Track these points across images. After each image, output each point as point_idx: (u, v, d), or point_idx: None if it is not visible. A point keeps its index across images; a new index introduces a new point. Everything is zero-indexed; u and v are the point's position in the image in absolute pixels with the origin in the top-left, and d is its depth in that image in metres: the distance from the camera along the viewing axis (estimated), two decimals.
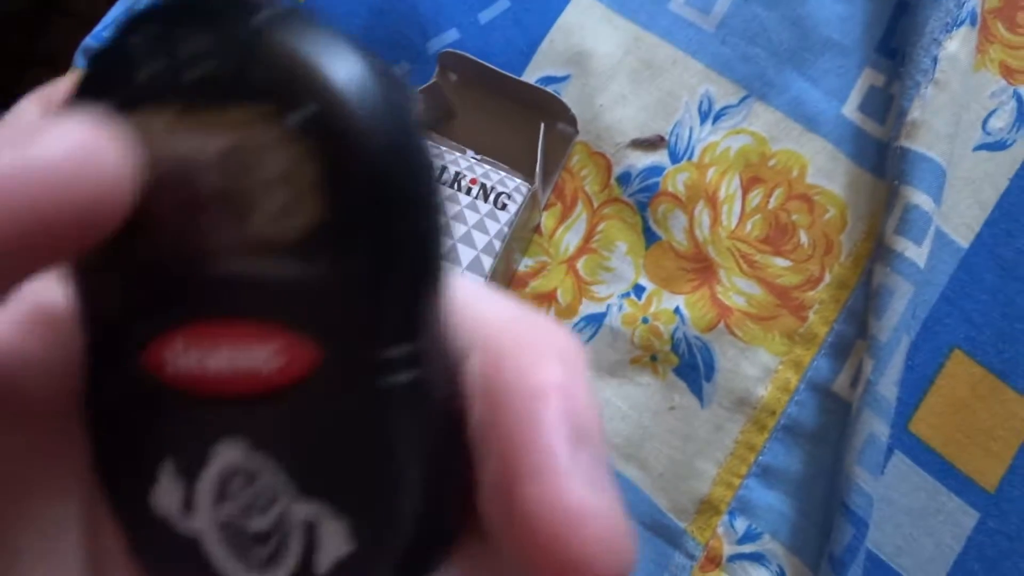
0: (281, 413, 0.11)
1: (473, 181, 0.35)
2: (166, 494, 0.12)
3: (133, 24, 0.11)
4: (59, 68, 1.16)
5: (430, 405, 0.11)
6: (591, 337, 0.38)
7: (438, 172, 0.34)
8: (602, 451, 0.11)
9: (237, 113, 0.10)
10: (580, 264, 0.39)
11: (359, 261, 0.10)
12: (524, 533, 0.10)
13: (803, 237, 0.37)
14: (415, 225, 0.10)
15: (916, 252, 0.34)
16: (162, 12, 0.11)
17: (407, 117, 0.10)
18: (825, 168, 0.37)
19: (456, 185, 0.35)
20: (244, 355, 0.11)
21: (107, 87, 0.11)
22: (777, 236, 0.37)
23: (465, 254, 0.35)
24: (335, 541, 0.11)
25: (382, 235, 0.10)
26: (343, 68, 0.10)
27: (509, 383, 0.11)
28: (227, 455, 0.12)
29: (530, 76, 0.40)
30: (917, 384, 0.36)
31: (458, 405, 0.12)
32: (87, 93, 0.11)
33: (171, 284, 0.11)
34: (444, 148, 0.36)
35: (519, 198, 0.35)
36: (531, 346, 0.12)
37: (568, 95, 0.39)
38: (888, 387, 0.34)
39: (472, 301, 0.13)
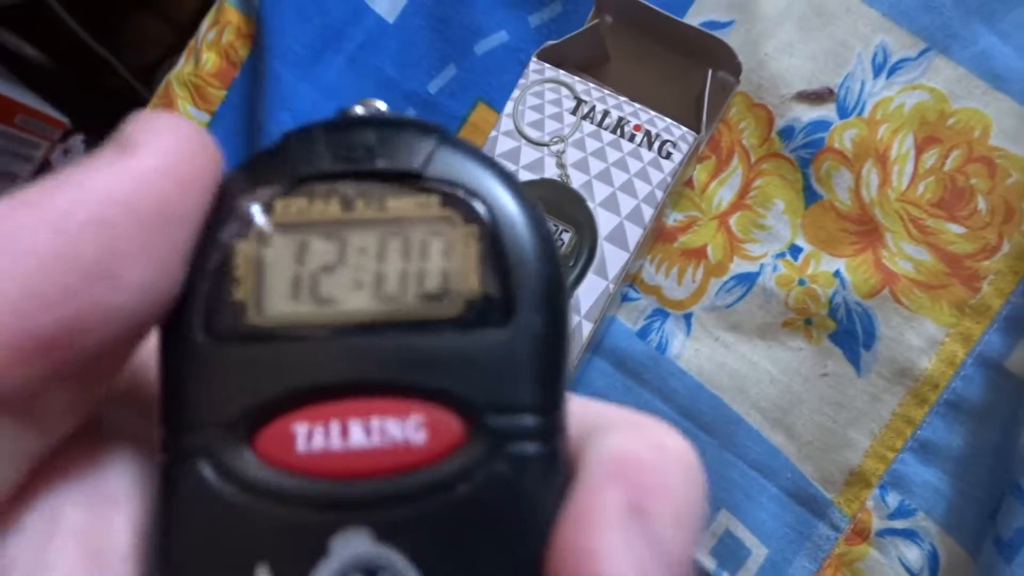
0: (419, 495, 0.11)
1: (637, 127, 0.34)
2: None
3: (324, 126, 0.12)
4: (162, 14, 1.16)
5: (560, 478, 0.11)
6: (741, 297, 0.37)
7: (600, 116, 0.32)
8: (672, 547, 0.11)
9: (410, 202, 0.12)
10: (733, 220, 0.37)
11: (514, 338, 0.11)
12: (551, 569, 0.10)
13: (981, 203, 0.35)
14: (558, 310, 0.12)
15: None
16: (347, 121, 0.12)
17: (549, 232, 0.12)
18: (1010, 130, 0.35)
19: (619, 131, 0.34)
20: (387, 431, 0.11)
21: (293, 165, 0.12)
22: (952, 200, 0.35)
23: (625, 203, 0.33)
24: None
25: (535, 317, 0.11)
26: (502, 180, 0.12)
27: (599, 452, 0.11)
28: (348, 548, 0.11)
29: (691, 21, 0.38)
30: None
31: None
32: (271, 167, 0.12)
33: (302, 358, 0.11)
34: (607, 92, 0.34)
35: (684, 147, 0.33)
36: (633, 430, 0.12)
37: (731, 42, 0.37)
38: None
39: (584, 399, 0.13)
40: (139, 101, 1.13)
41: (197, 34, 0.43)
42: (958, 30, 0.36)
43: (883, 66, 0.36)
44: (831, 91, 0.36)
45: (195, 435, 0.11)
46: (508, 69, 0.40)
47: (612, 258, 0.33)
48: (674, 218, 0.38)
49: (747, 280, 0.37)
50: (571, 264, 0.33)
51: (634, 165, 0.33)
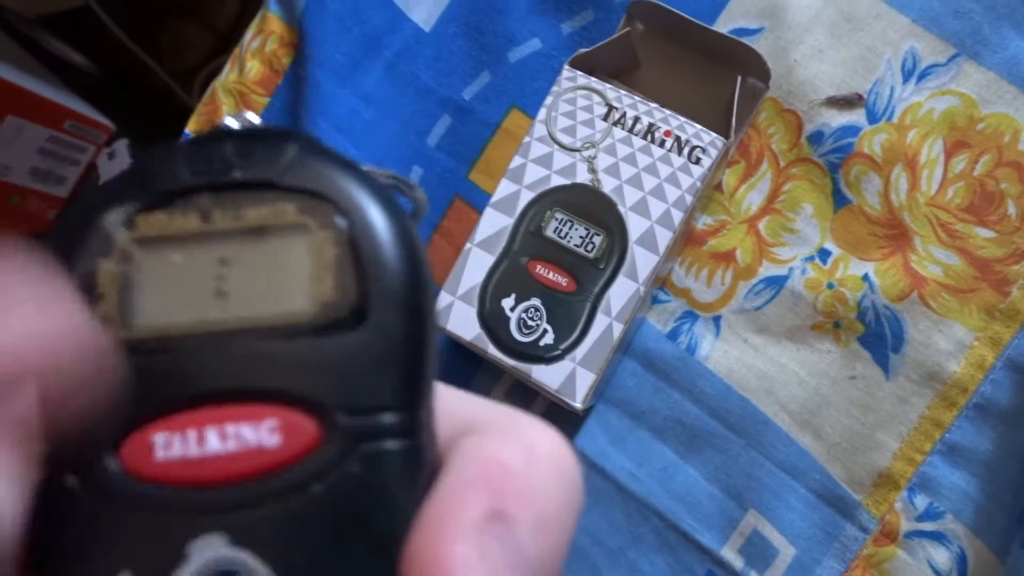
0: (273, 497, 0.11)
1: (667, 133, 0.34)
2: None
3: (187, 141, 0.12)
4: (200, 17, 1.19)
5: (421, 475, 0.11)
6: (770, 300, 0.37)
7: (631, 122, 0.33)
8: (535, 553, 0.11)
9: (266, 211, 0.12)
10: (762, 224, 0.38)
11: (369, 339, 0.11)
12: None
13: (1011, 207, 0.35)
14: (419, 310, 0.12)
15: None
16: (207, 135, 0.12)
17: (411, 231, 0.12)
18: None
19: (650, 137, 0.35)
20: (242, 436, 0.11)
21: (152, 180, 0.12)
22: (982, 205, 0.35)
23: (655, 207, 0.34)
24: None
25: (393, 317, 0.11)
26: (361, 186, 0.12)
27: (464, 455, 0.11)
28: (205, 552, 0.11)
29: (720, 28, 0.39)
30: None
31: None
32: (132, 183, 0.12)
33: (163, 369, 0.11)
34: (637, 98, 0.35)
35: (714, 153, 0.34)
36: (503, 432, 0.12)
37: (760, 48, 0.38)
38: None
39: (465, 396, 0.13)
40: (179, 104, 1.16)
41: (241, 43, 0.45)
42: (988, 36, 0.36)
43: (912, 71, 0.37)
44: (860, 96, 0.37)
45: (64, 448, 0.11)
46: (541, 76, 0.41)
47: (642, 261, 0.34)
48: (704, 222, 0.39)
49: (776, 283, 0.37)
50: (601, 267, 0.34)
51: (664, 170, 0.34)
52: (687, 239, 0.38)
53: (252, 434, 0.11)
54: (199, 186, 0.12)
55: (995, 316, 0.35)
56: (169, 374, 0.11)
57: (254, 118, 0.13)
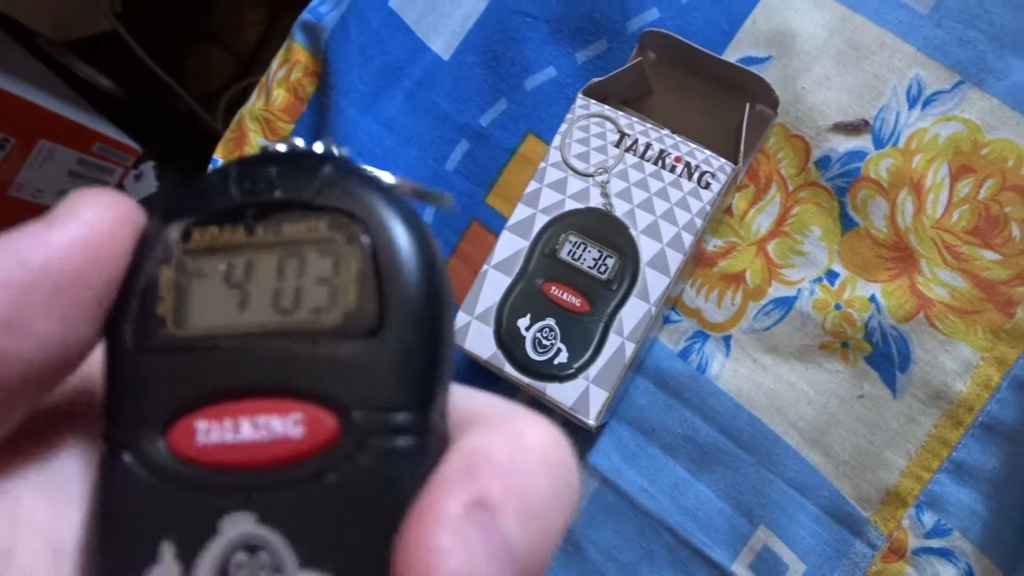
0: (296, 483, 0.12)
1: (678, 159, 0.36)
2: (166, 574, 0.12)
3: (231, 163, 0.14)
4: (223, 42, 1.22)
5: (427, 471, 0.12)
6: (779, 320, 0.38)
7: (643, 149, 0.34)
8: (519, 543, 0.11)
9: (301, 227, 0.14)
10: (771, 247, 0.39)
11: (388, 345, 0.13)
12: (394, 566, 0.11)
13: (1015, 230, 0.36)
14: (435, 321, 0.13)
15: None
16: (255, 158, 0.14)
17: (432, 248, 0.14)
18: None
19: (660, 162, 0.36)
20: (271, 427, 0.13)
21: (207, 198, 0.14)
22: (987, 228, 0.36)
23: (666, 231, 0.35)
24: None
25: (409, 327, 0.13)
26: (389, 203, 0.14)
27: (455, 448, 0.12)
28: (234, 528, 0.12)
29: (730, 57, 0.40)
30: None
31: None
32: (190, 201, 0.14)
33: (210, 364, 0.13)
34: (649, 125, 0.36)
35: (723, 178, 0.35)
36: (494, 425, 0.12)
37: (768, 77, 0.39)
38: None
39: (474, 393, 0.14)
40: (203, 127, 1.19)
41: (268, 71, 0.46)
42: (991, 63, 0.37)
43: (918, 98, 0.38)
44: (867, 123, 0.38)
45: (123, 429, 0.13)
46: (556, 103, 0.43)
47: (654, 282, 0.35)
48: (714, 244, 0.40)
49: (785, 304, 0.38)
50: (614, 288, 0.35)
51: (675, 195, 0.35)
52: (698, 261, 0.39)
53: (280, 425, 0.13)
54: (245, 205, 0.14)
55: (1000, 336, 0.35)
56: (211, 369, 0.13)
57: (299, 142, 0.15)
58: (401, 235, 0.13)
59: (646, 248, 0.35)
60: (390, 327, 0.13)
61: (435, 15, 0.44)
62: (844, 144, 0.38)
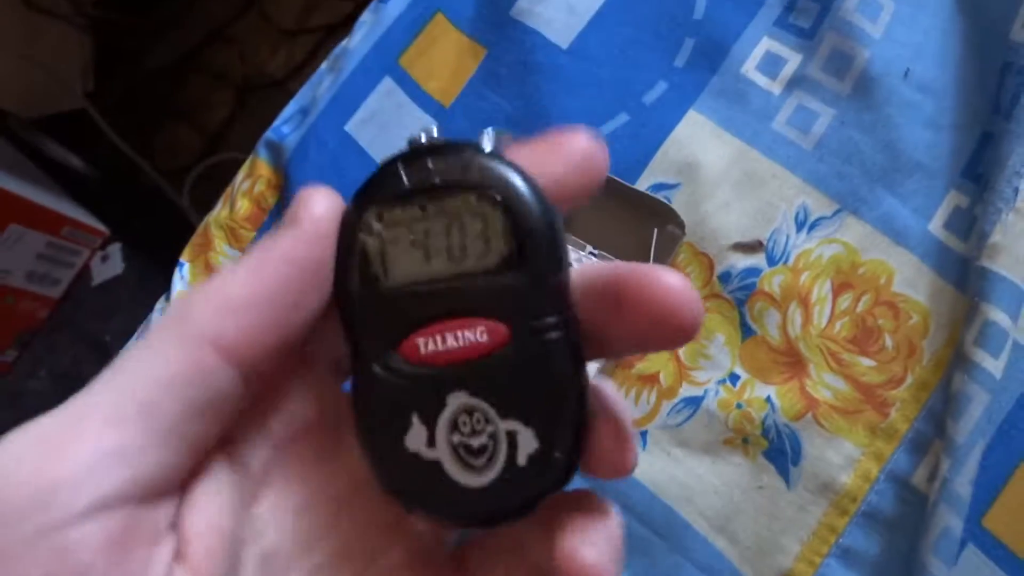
0: (489, 368, 0.19)
1: None
2: (416, 435, 0.19)
3: (399, 155, 0.20)
4: (190, 119, 1.26)
5: (574, 351, 0.19)
6: (689, 417, 0.43)
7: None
8: None
9: (457, 201, 0.19)
10: (682, 351, 0.44)
11: (529, 273, 0.19)
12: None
13: (888, 340, 0.41)
14: (556, 252, 0.19)
15: (993, 364, 0.38)
16: (418, 149, 0.20)
17: (546, 202, 0.19)
18: (910, 278, 0.41)
19: None
20: (466, 336, 0.19)
21: (389, 188, 0.20)
22: (864, 338, 0.41)
23: None
24: (528, 442, 0.19)
25: (540, 259, 0.19)
26: (514, 176, 0.19)
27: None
28: (456, 400, 0.19)
29: (644, 182, 0.45)
30: (991, 483, 0.39)
31: (582, 353, 0.20)
32: (377, 191, 0.20)
33: (415, 301, 0.20)
34: (569, 245, 0.41)
35: None
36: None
37: (678, 200, 0.45)
38: (963, 485, 0.37)
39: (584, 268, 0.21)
40: (169, 204, 1.23)
41: (233, 183, 0.51)
42: (865, 195, 0.43)
43: (804, 223, 0.43)
44: (761, 243, 0.43)
45: (369, 350, 0.19)
46: None
47: None
48: None
49: (693, 403, 0.43)
50: None
51: None
52: (617, 363, 0.44)
53: (472, 335, 0.19)
54: (416, 190, 0.19)
55: (877, 434, 0.40)
56: (418, 306, 0.19)
57: (436, 130, 0.20)
58: (525, 196, 0.19)
59: None
60: (532, 263, 0.19)
61: (386, 138, 0.49)
62: (742, 261, 0.43)
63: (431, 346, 0.19)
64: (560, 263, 0.19)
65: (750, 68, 0.46)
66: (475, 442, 0.19)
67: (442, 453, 0.19)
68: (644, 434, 0.43)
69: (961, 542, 0.38)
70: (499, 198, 0.19)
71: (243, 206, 0.50)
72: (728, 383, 0.43)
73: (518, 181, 0.19)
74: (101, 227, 0.89)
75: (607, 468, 0.19)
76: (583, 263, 0.40)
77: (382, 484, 0.19)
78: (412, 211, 0.19)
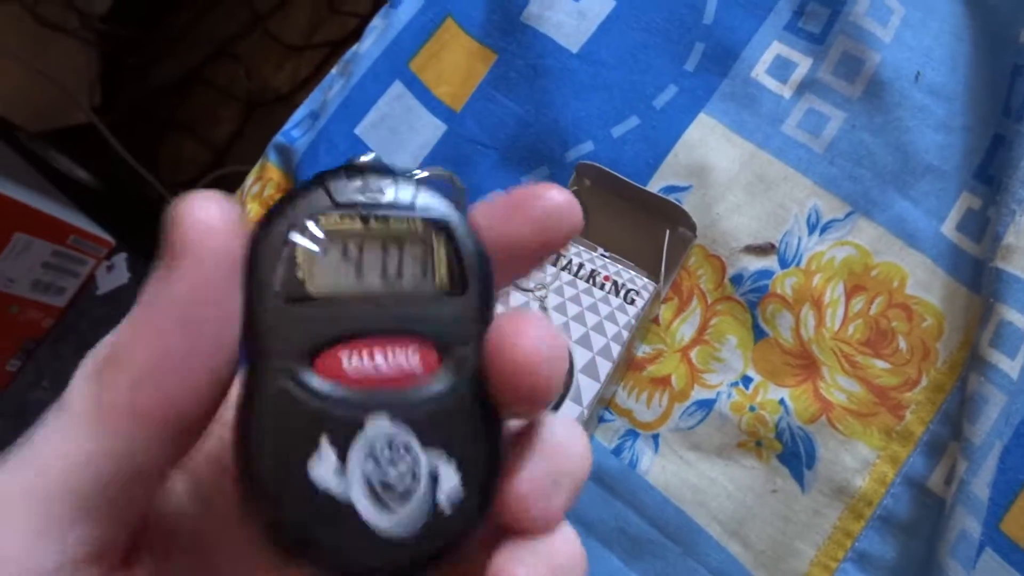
0: (416, 394, 0.17)
1: (607, 278, 0.40)
2: (323, 462, 0.17)
3: (345, 169, 0.19)
4: (196, 133, 1.27)
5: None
6: (701, 420, 0.42)
7: (576, 268, 0.39)
8: None
9: (403, 224, 0.19)
10: (693, 353, 0.43)
11: (463, 305, 0.18)
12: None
13: (902, 342, 0.41)
14: (490, 288, 0.19)
15: (1009, 365, 0.37)
16: (362, 166, 0.19)
17: (481, 240, 0.19)
18: (923, 281, 0.41)
19: (591, 280, 0.40)
20: (396, 356, 0.18)
21: (332, 194, 0.18)
22: (877, 340, 0.41)
23: (596, 341, 0.40)
24: (449, 476, 0.17)
25: (476, 292, 0.18)
26: (454, 211, 0.19)
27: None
28: (376, 424, 0.17)
29: (655, 184, 0.45)
30: (1009, 486, 0.38)
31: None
32: (318, 195, 0.18)
33: (345, 312, 0.18)
34: (581, 247, 0.41)
35: (646, 295, 0.40)
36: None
37: (689, 203, 0.45)
38: (981, 487, 0.37)
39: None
40: None
41: (242, 187, 0.51)
42: (877, 197, 0.43)
43: (816, 225, 0.43)
44: (773, 245, 0.43)
45: (279, 361, 0.17)
46: None
47: (586, 387, 0.39)
48: (643, 350, 0.44)
49: (705, 406, 0.43)
50: None
51: (604, 309, 0.40)
52: (629, 365, 0.44)
53: (403, 357, 0.18)
54: (360, 204, 0.18)
55: (892, 437, 0.40)
56: (346, 317, 0.18)
57: (371, 157, 0.20)
58: (467, 229, 0.19)
59: (579, 357, 0.40)
60: (463, 293, 0.18)
61: (396, 141, 0.49)
62: (754, 264, 0.43)
63: (355, 361, 0.17)
64: (492, 299, 0.19)
65: (760, 72, 0.46)
66: (392, 472, 0.17)
67: (353, 484, 0.17)
68: (656, 437, 0.43)
69: (979, 546, 0.37)
70: (443, 226, 0.19)
71: (252, 209, 0.50)
72: (741, 386, 0.42)
73: (458, 216, 0.19)
74: (107, 237, 0.89)
75: (520, 517, 0.18)
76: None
77: (267, 521, 0.16)
78: (353, 222, 0.18)
